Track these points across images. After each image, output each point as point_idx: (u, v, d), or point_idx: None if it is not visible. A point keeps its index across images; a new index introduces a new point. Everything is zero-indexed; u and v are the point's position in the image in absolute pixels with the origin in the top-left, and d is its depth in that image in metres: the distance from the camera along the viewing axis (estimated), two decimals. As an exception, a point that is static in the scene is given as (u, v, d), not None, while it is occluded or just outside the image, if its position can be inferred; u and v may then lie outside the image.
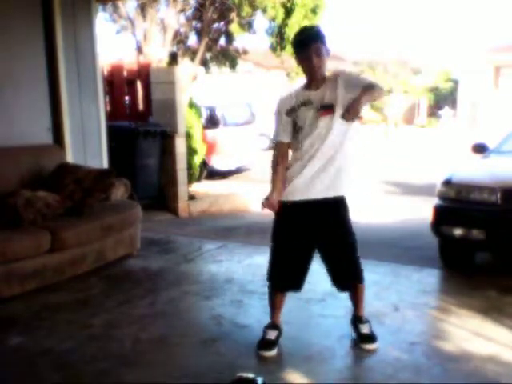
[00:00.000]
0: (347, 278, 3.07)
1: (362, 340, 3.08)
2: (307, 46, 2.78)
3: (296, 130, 2.91)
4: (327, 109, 2.81)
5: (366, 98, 2.71)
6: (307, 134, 2.86)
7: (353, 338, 3.13)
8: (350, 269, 3.05)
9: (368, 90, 2.71)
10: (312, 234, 2.98)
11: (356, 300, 3.14)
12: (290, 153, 3.03)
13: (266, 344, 3.03)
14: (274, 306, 3.13)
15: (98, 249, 4.38)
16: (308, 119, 2.85)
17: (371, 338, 3.08)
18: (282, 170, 2.97)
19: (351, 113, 2.67)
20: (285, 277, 3.05)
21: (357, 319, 3.14)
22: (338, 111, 2.76)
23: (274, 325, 3.11)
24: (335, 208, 2.96)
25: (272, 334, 3.06)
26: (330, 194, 2.90)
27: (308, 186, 2.89)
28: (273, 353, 3.00)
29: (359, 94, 2.67)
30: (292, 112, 2.90)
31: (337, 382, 2.75)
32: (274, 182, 2.98)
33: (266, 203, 2.95)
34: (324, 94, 2.83)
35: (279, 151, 3.00)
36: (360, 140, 3.05)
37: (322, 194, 2.89)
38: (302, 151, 2.89)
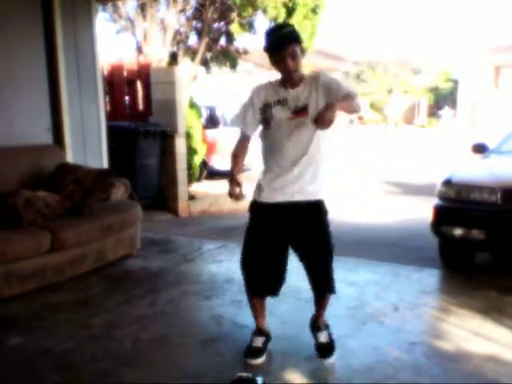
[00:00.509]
0: (318, 285, 2.95)
1: (319, 350, 2.93)
2: (281, 48, 2.61)
3: (267, 127, 2.78)
4: (302, 111, 2.70)
5: (342, 106, 2.55)
6: (280, 135, 2.74)
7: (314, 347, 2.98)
8: (320, 277, 2.93)
9: (346, 99, 2.58)
10: (284, 237, 2.86)
11: (319, 305, 3.01)
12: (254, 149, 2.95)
13: (252, 351, 2.94)
14: (256, 310, 3.05)
15: (98, 249, 4.38)
16: (282, 120, 2.72)
17: (328, 347, 2.93)
18: (242, 162, 2.89)
19: (322, 122, 2.48)
20: (259, 281, 2.95)
21: (315, 326, 3.03)
22: (312, 114, 2.64)
23: (259, 330, 3.03)
24: (310, 212, 2.83)
25: (259, 341, 2.98)
26: (303, 197, 2.79)
27: (280, 189, 2.78)
28: (260, 360, 2.91)
29: (333, 101, 2.53)
30: (266, 109, 2.75)
31: (337, 382, 2.76)
32: (232, 171, 2.83)
33: (233, 196, 2.83)
34: (300, 94, 2.71)
35: (243, 143, 2.87)
36: (332, 142, 2.96)
37: (294, 197, 2.78)
38: (274, 152, 2.79)
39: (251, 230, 2.95)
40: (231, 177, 2.83)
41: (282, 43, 2.61)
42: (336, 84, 2.69)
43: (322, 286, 2.95)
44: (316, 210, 2.86)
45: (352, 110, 2.72)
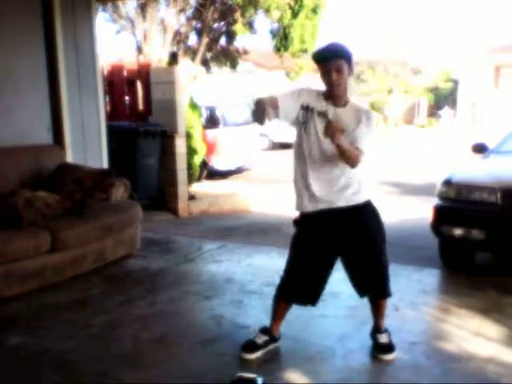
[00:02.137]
0: (367, 292, 3.02)
1: (380, 350, 3.00)
2: (328, 59, 2.74)
3: (304, 131, 2.82)
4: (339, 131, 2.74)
5: (344, 146, 2.63)
6: (316, 145, 2.80)
7: (372, 349, 3.04)
8: (370, 284, 2.98)
9: (352, 147, 2.68)
10: (333, 247, 2.91)
11: (377, 312, 3.07)
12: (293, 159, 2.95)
13: (248, 345, 2.99)
14: (275, 314, 3.08)
15: (98, 249, 4.38)
16: (319, 132, 2.77)
17: (388, 347, 3.00)
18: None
19: (331, 133, 2.63)
20: (299, 289, 2.98)
21: (376, 330, 3.08)
22: (346, 135, 2.71)
23: (268, 330, 3.06)
24: (354, 216, 2.87)
25: (260, 338, 3.02)
26: (347, 202, 2.84)
27: (315, 197, 2.83)
28: (252, 356, 2.95)
29: (342, 143, 2.62)
30: (308, 111, 2.79)
31: (337, 381, 2.75)
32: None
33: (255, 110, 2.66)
34: (339, 116, 2.78)
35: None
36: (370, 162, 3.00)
37: (339, 202, 2.83)
38: (309, 160, 2.82)
39: (300, 239, 2.97)
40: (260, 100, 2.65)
41: (330, 56, 2.74)
42: (360, 134, 2.75)
43: (375, 291, 3.02)
44: (364, 214, 2.90)
45: (346, 157, 2.70)
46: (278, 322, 3.08)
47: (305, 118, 2.80)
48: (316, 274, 2.95)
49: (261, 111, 2.59)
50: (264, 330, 3.06)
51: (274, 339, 3.06)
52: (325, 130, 2.68)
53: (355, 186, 2.85)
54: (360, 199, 2.88)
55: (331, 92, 2.79)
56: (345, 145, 2.64)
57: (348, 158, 2.68)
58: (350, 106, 2.84)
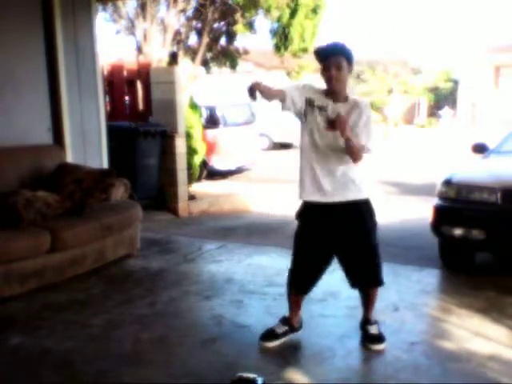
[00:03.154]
0: (361, 281, 3.13)
1: (370, 340, 3.09)
2: (328, 56, 2.85)
3: (303, 123, 2.94)
4: (334, 125, 2.85)
5: (352, 141, 2.75)
6: (314, 137, 2.92)
7: (361, 340, 3.13)
8: (365, 273, 3.09)
9: (359, 146, 2.80)
10: (331, 238, 3.01)
11: (367, 303, 3.18)
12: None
13: (267, 334, 3.11)
14: (290, 305, 3.21)
15: (98, 249, 4.38)
16: (320, 125, 2.90)
17: (379, 338, 3.10)
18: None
19: (339, 125, 2.74)
20: (297, 279, 3.12)
21: (365, 321, 3.18)
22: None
23: (287, 320, 3.18)
24: (352, 211, 2.98)
25: (280, 328, 3.14)
26: (347, 197, 2.94)
27: (318, 188, 2.94)
28: (270, 344, 3.08)
29: (351, 137, 2.75)
30: (310, 104, 2.90)
31: (337, 381, 2.75)
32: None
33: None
34: (339, 109, 2.88)
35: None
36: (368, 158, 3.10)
37: (339, 197, 2.94)
38: (310, 152, 2.95)
39: (301, 235, 3.09)
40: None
41: (331, 53, 2.86)
42: (367, 126, 2.89)
43: (367, 280, 3.13)
44: (359, 208, 3.00)
45: (354, 154, 2.81)
46: (295, 311, 3.19)
47: (306, 110, 2.91)
48: (314, 265, 3.06)
49: (253, 86, 2.68)
50: (284, 320, 3.17)
51: (293, 329, 3.18)
52: (334, 123, 2.78)
53: (357, 182, 2.96)
54: (360, 196, 2.99)
55: (331, 88, 2.90)
56: (353, 139, 2.76)
57: (354, 152, 2.80)
58: (349, 101, 2.93)
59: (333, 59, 2.83)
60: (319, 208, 2.98)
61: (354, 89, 22.04)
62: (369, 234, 3.04)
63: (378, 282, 3.12)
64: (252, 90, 2.67)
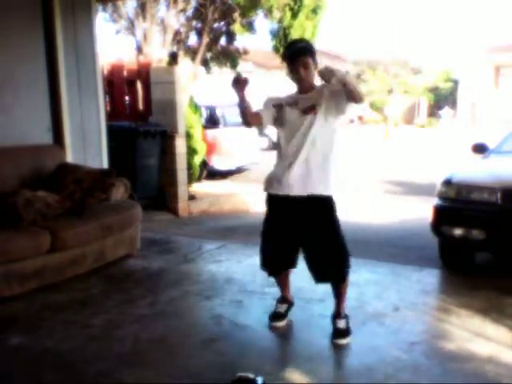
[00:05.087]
0: (327, 277, 3.18)
1: (335, 335, 3.15)
2: (295, 59, 2.98)
3: (279, 126, 3.10)
4: (310, 109, 2.98)
5: (343, 78, 2.76)
6: (289, 132, 3.05)
7: (330, 335, 3.17)
8: (329, 269, 3.14)
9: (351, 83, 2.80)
10: (294, 230, 3.10)
11: (338, 296, 3.23)
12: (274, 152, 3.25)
13: (275, 316, 3.37)
14: (278, 283, 3.45)
15: (98, 249, 4.38)
16: (291, 119, 3.03)
17: (344, 332, 3.16)
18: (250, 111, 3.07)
19: (325, 70, 2.78)
20: (273, 263, 3.30)
21: (336, 315, 3.23)
22: (320, 112, 2.95)
23: (282, 298, 3.44)
24: (318, 206, 3.06)
25: (281, 308, 3.41)
26: (310, 191, 3.02)
27: (287, 182, 3.04)
28: (282, 323, 3.34)
29: (344, 77, 2.78)
30: (278, 107, 3.07)
31: (337, 381, 2.76)
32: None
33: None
34: (310, 97, 3.01)
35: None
36: (341, 142, 3.16)
37: (301, 190, 3.02)
38: (283, 149, 3.09)
39: (266, 221, 3.25)
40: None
41: (297, 55, 2.99)
42: (342, 76, 2.84)
43: (332, 276, 3.19)
44: (325, 204, 3.07)
45: (352, 91, 2.79)
46: (284, 287, 3.45)
47: (278, 115, 3.07)
48: (279, 247, 3.20)
49: (245, 118, 3.03)
50: (281, 300, 3.44)
51: (290, 303, 3.46)
52: (323, 73, 2.80)
53: (328, 176, 3.05)
54: (326, 191, 3.06)
55: (300, 87, 3.06)
56: (340, 76, 2.76)
57: (352, 90, 2.78)
58: (318, 87, 3.05)
59: (299, 60, 2.95)
60: (282, 200, 3.08)
61: None
62: (331, 229, 3.08)
63: (342, 278, 3.16)
64: (237, 83, 2.92)
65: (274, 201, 3.16)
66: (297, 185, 3.02)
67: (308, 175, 3.01)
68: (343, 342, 3.12)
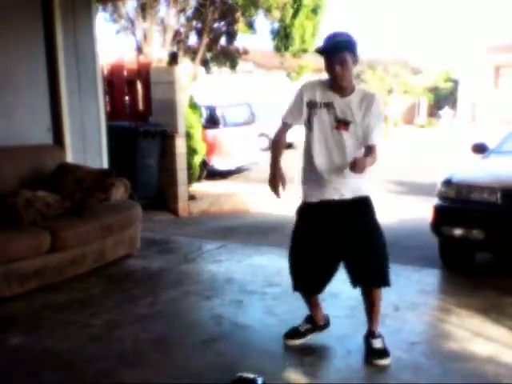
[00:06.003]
0: (368, 279, 2.95)
1: (374, 355, 2.92)
2: (332, 54, 2.73)
3: (309, 127, 2.87)
4: (344, 124, 2.80)
5: (369, 162, 2.72)
6: (321, 138, 2.85)
7: (365, 354, 2.97)
8: (372, 270, 2.93)
9: (370, 153, 2.76)
10: (336, 238, 2.90)
11: (370, 310, 3.00)
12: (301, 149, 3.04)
13: (290, 332, 3.13)
14: (307, 303, 3.17)
15: (98, 249, 4.38)
16: (325, 124, 2.83)
17: (382, 352, 2.92)
18: (282, 148, 2.98)
19: (358, 169, 2.65)
20: (312, 281, 3.04)
21: (370, 334, 3.00)
22: (353, 131, 2.80)
23: (309, 318, 3.17)
24: (361, 206, 2.93)
25: (303, 326, 3.15)
26: (354, 193, 2.90)
27: (321, 188, 2.89)
28: (292, 342, 3.10)
29: (364, 155, 2.76)
30: (312, 106, 2.84)
31: (337, 382, 2.76)
32: (276, 159, 2.95)
33: (274, 188, 2.92)
34: (347, 106, 2.81)
35: (282, 130, 2.98)
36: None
37: (336, 195, 2.87)
38: (314, 153, 2.88)
39: (301, 235, 3.01)
40: (275, 166, 2.93)
41: (335, 49, 2.73)
42: (374, 125, 2.80)
43: (370, 278, 2.95)
44: (361, 205, 2.93)
45: (370, 164, 2.78)
46: (314, 309, 3.16)
47: (310, 114, 2.85)
48: (318, 263, 2.97)
49: (274, 186, 2.91)
50: (307, 318, 3.17)
51: (316, 327, 3.17)
52: (354, 167, 2.65)
53: (361, 179, 2.89)
54: (363, 192, 2.94)
55: (336, 84, 2.80)
56: (369, 163, 2.71)
57: (370, 164, 2.75)
58: (356, 93, 2.83)
59: (336, 56, 2.71)
60: (322, 205, 2.91)
61: None
62: (375, 231, 2.94)
63: (384, 281, 2.93)
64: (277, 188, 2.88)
65: (313, 210, 2.94)
66: (343, 188, 2.87)
67: (345, 178, 2.85)
68: (384, 362, 2.88)
